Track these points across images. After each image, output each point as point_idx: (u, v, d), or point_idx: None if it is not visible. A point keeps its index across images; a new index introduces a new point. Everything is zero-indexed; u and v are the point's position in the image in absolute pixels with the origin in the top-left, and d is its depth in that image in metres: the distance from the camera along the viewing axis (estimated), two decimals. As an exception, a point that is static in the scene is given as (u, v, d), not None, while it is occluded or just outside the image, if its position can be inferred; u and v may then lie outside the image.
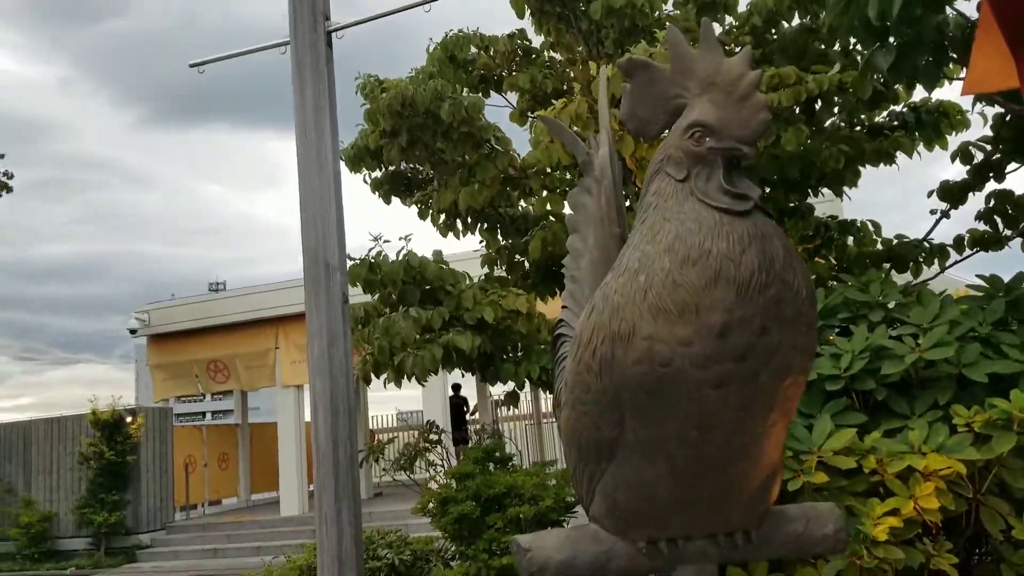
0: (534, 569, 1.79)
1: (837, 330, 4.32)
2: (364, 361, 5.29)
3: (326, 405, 3.96)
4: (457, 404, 13.76)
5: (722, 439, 1.63)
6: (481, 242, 6.22)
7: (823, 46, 5.41)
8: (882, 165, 5.64)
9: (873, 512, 3.50)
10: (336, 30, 4.30)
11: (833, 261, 6.07)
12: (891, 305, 4.22)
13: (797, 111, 5.38)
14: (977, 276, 4.16)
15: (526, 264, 6.46)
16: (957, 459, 3.47)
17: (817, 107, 5.27)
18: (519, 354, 5.73)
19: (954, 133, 5.84)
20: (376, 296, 5.37)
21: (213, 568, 10.83)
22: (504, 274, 6.32)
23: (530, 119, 5.95)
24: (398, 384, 5.10)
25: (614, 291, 1.67)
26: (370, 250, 5.22)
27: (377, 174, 6.16)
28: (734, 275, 1.55)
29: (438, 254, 5.81)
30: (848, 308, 4.33)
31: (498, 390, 8.13)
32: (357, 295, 6.45)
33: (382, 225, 5.69)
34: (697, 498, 1.72)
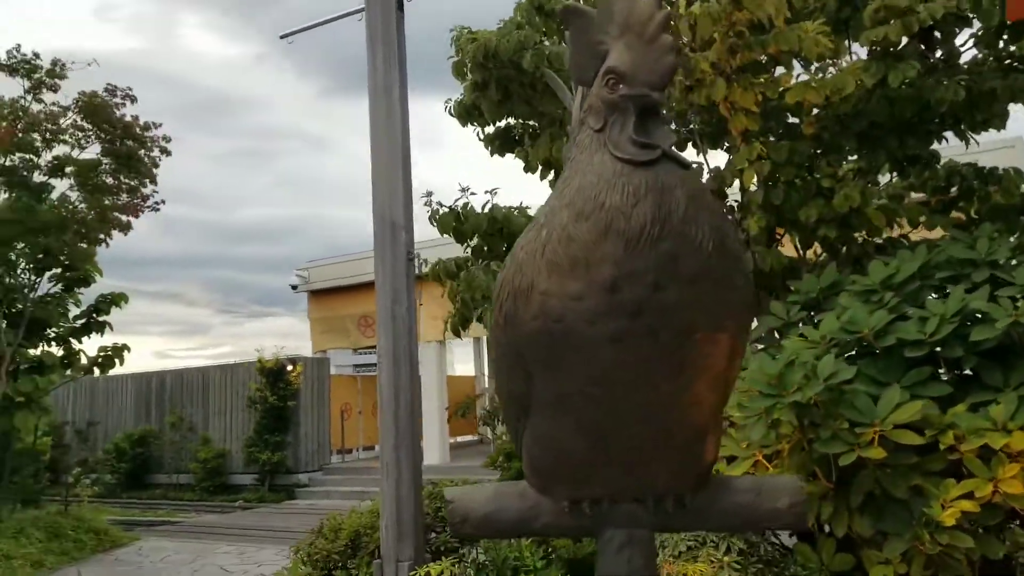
0: (455, 520, 1.82)
1: (937, 291, 3.90)
2: (451, 315, 5.45)
3: (389, 357, 4.15)
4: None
5: (625, 396, 1.57)
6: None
7: None
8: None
9: (945, 494, 3.17)
10: (406, -6, 4.39)
11: (974, 215, 5.44)
12: (1000, 263, 3.74)
13: (914, 48, 4.81)
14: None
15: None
16: (1055, 437, 3.07)
17: (936, 38, 4.69)
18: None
19: None
20: (465, 248, 5.50)
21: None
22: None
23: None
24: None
25: (520, 247, 1.65)
26: (456, 199, 5.33)
27: (489, 130, 6.24)
28: (624, 228, 1.48)
29: (525, 211, 5.81)
30: (951, 266, 3.89)
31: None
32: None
33: (503, 182, 5.79)
34: (610, 457, 1.67)
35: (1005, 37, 4.94)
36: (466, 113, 6.01)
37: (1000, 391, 3.32)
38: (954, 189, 5.46)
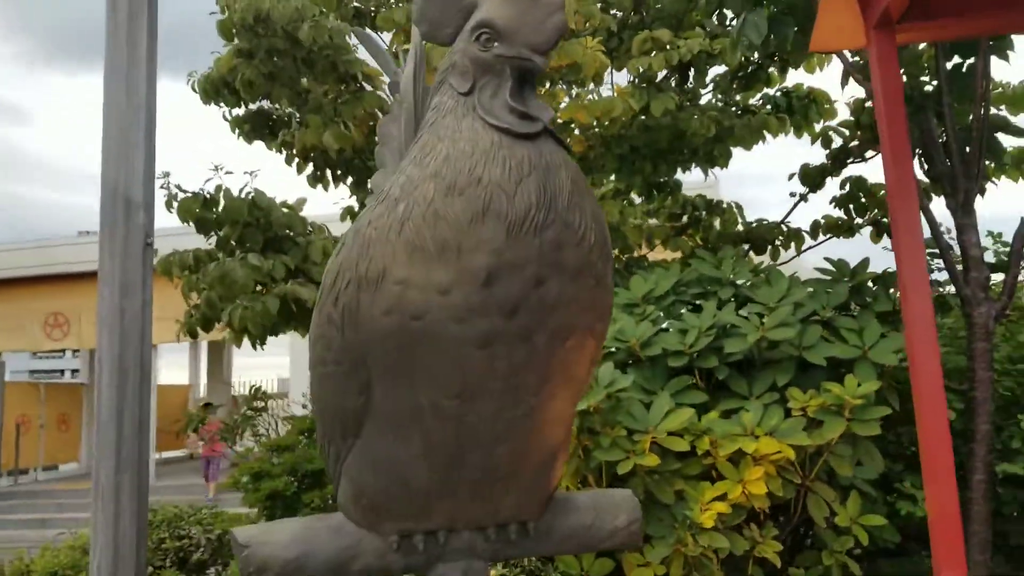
0: (251, 569, 1.43)
1: (689, 306, 4.19)
2: (190, 315, 4.73)
3: (113, 365, 3.41)
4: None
5: (488, 411, 1.33)
6: (351, 196, 5.73)
7: (699, 17, 5.25)
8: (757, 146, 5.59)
9: (702, 497, 3.36)
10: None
11: (699, 241, 6.02)
12: (742, 283, 4.12)
13: (671, 82, 5.22)
14: (825, 259, 4.12)
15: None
16: (788, 444, 3.39)
17: (691, 75, 5.13)
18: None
19: (822, 121, 5.88)
20: (211, 240, 4.80)
21: (37, 539, 9.89)
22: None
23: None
24: (237, 343, 4.58)
25: (367, 223, 1.33)
26: (207, 181, 4.63)
27: (239, 111, 5.54)
28: (506, 210, 1.24)
29: (302, 202, 5.30)
30: (701, 284, 4.21)
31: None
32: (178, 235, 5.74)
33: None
34: (460, 482, 1.41)
35: (735, 86, 5.56)
36: (213, 89, 5.31)
37: (746, 399, 3.62)
38: (685, 217, 6.03)
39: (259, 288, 4.54)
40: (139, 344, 3.58)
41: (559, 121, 4.63)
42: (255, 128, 6.04)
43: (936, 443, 1.95)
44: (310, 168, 5.98)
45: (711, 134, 4.78)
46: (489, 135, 1.30)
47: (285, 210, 4.81)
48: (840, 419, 3.51)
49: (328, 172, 5.90)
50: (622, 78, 5.46)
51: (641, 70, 4.68)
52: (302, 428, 4.46)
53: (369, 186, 2.17)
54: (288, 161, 5.98)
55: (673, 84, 5.22)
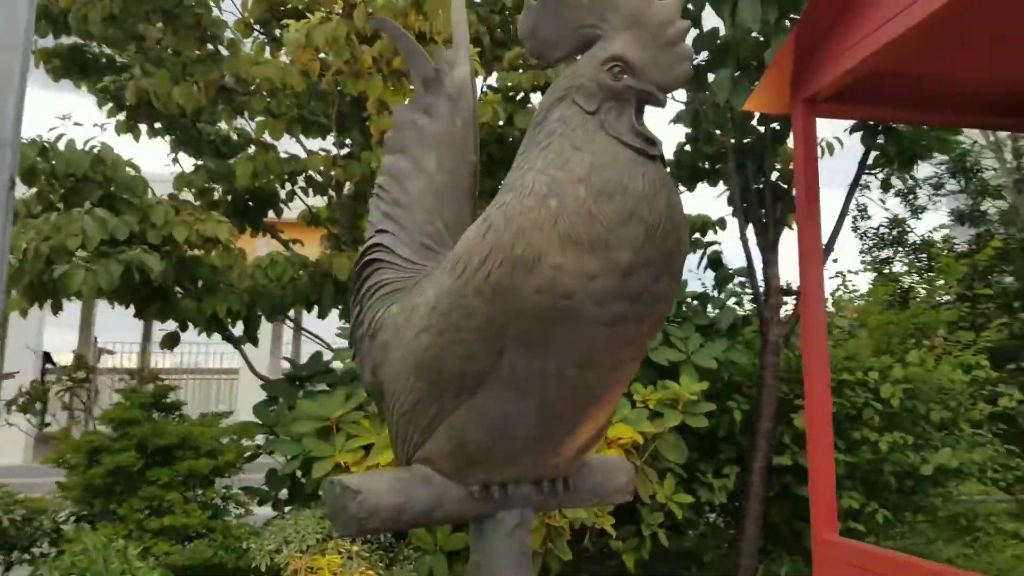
0: (363, 514, 1.55)
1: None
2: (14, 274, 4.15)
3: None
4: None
5: (596, 380, 1.60)
6: (171, 155, 5.35)
7: None
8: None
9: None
10: None
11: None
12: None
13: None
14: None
15: (218, 193, 5.77)
16: (637, 431, 3.97)
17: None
18: (200, 288, 5.05)
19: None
20: (33, 190, 4.26)
21: None
22: (191, 199, 5.54)
23: (256, 33, 5.29)
24: (54, 308, 4.11)
25: (519, 213, 1.54)
26: (51, 130, 4.14)
27: (48, 43, 4.91)
28: (646, 216, 1.53)
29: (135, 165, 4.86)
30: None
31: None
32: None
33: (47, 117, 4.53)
34: (551, 438, 1.66)
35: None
36: (44, 15, 4.72)
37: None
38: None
39: (97, 248, 4.14)
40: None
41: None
42: (67, 65, 5.46)
43: (819, 431, 2.52)
44: (123, 115, 5.54)
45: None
46: (626, 152, 1.58)
47: (130, 169, 4.43)
48: (676, 412, 4.17)
49: (143, 126, 5.52)
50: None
51: (510, 84, 5.05)
52: (142, 402, 4.13)
53: (384, 167, 2.26)
54: (100, 104, 5.49)
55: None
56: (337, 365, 5.26)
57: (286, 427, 4.53)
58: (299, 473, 4.49)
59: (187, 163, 5.93)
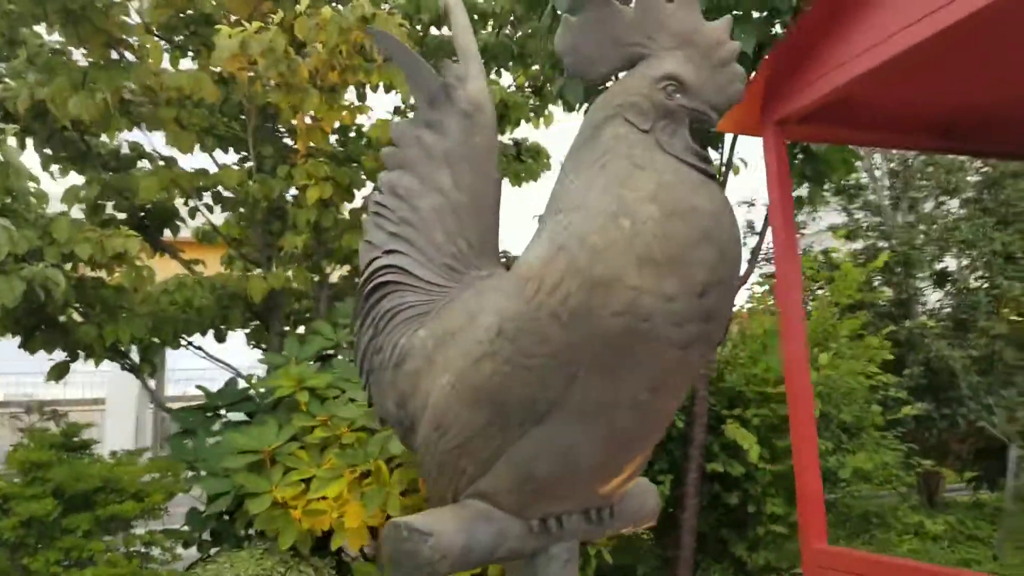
0: (436, 558, 1.43)
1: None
2: None
3: None
4: None
5: (664, 404, 1.57)
6: (55, 168, 4.84)
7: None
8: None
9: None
10: None
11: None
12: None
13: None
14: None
15: (110, 208, 5.31)
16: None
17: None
18: (100, 313, 4.61)
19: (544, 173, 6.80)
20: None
21: None
22: (81, 216, 5.06)
23: (157, 39, 4.92)
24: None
25: (591, 232, 1.48)
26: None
27: None
28: (717, 236, 1.51)
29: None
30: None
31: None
32: None
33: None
34: (614, 466, 1.61)
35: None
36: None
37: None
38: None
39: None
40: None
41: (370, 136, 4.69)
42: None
43: (804, 443, 2.58)
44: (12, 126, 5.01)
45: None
46: (687, 170, 1.56)
47: (31, 183, 3.98)
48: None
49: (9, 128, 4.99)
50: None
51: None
52: (53, 442, 3.67)
53: (385, 184, 2.14)
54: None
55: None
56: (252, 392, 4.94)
57: (209, 462, 4.20)
58: (226, 511, 4.17)
59: (73, 178, 5.42)
